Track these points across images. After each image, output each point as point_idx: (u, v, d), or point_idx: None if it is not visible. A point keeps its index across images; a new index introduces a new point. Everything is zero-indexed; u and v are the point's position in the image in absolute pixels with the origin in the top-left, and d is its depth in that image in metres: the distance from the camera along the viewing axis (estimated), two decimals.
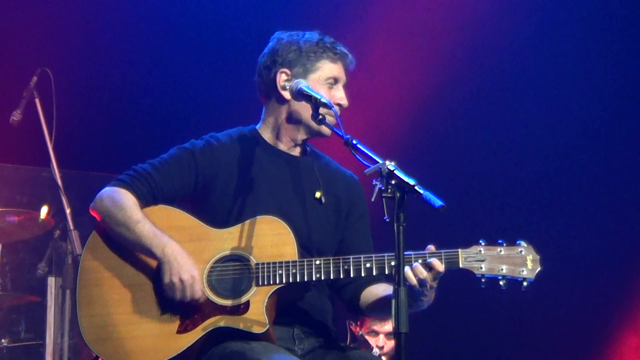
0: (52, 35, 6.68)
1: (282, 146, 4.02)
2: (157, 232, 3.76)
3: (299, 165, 4.03)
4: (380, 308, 3.92)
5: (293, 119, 3.97)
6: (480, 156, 7.13)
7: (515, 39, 7.01)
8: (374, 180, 3.33)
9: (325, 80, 3.93)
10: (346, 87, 4.00)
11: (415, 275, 3.63)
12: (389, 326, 6.10)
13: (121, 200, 3.81)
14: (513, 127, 7.10)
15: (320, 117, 3.76)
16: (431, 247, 3.70)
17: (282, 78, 3.94)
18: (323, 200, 3.97)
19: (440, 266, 3.65)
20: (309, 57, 3.93)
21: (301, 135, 4.00)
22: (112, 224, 3.81)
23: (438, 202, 3.23)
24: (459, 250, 3.69)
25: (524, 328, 7.05)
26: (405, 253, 3.24)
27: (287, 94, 3.92)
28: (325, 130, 3.88)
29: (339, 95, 3.94)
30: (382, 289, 3.91)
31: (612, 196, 6.96)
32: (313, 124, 3.89)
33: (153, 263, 3.80)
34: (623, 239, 6.91)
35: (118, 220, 3.79)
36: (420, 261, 3.65)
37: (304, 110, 3.90)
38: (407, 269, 3.62)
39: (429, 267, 3.65)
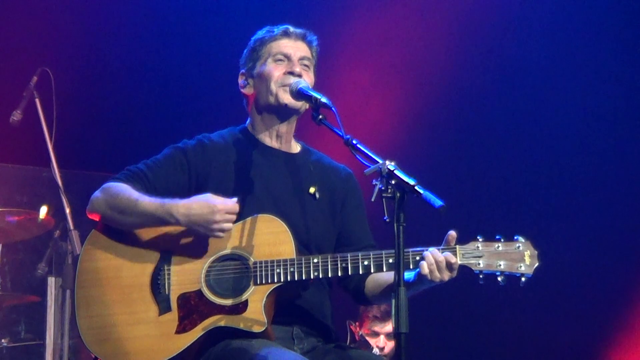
0: (52, 35, 6.68)
1: (269, 141, 4.04)
2: (157, 202, 3.76)
3: (292, 162, 4.05)
4: (386, 292, 3.89)
5: (260, 109, 4.02)
6: (477, 152, 7.15)
7: (512, 36, 7.03)
8: (373, 180, 3.33)
9: (273, 57, 3.99)
10: (311, 62, 4.01)
11: (436, 260, 3.61)
12: (389, 327, 6.09)
13: (115, 189, 3.83)
14: (511, 123, 7.12)
15: (321, 117, 3.77)
16: (452, 234, 3.68)
17: (241, 79, 4.09)
18: (317, 195, 3.99)
19: (453, 258, 3.63)
20: (255, 49, 4.05)
21: (275, 120, 4.02)
22: (113, 214, 3.81)
23: (438, 202, 3.23)
24: (457, 246, 3.69)
25: (524, 327, 7.05)
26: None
27: (248, 90, 4.05)
28: (286, 98, 3.90)
29: (289, 65, 3.96)
30: (386, 275, 3.88)
31: (610, 191, 6.97)
32: (270, 98, 3.94)
33: (151, 262, 3.80)
34: (621, 233, 6.91)
35: (119, 207, 3.79)
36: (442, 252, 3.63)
37: (261, 92, 3.98)
38: (427, 253, 3.62)
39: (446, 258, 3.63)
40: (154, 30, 6.95)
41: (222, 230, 3.71)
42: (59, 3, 6.76)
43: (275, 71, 3.95)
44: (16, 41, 6.65)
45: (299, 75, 3.94)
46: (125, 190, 3.81)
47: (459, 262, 3.66)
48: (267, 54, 4.00)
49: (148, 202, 3.76)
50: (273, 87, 3.95)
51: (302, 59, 4.00)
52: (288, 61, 3.98)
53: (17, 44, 6.64)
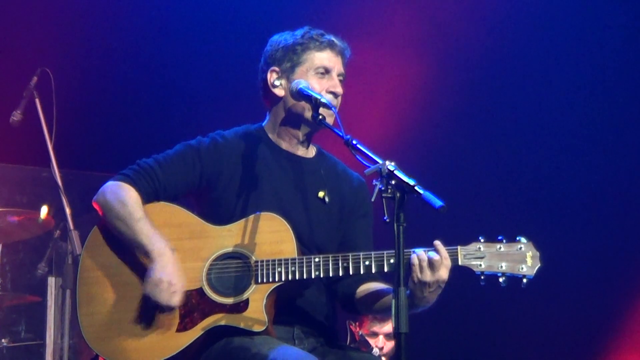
0: (52, 35, 6.68)
1: (285, 145, 4.02)
2: (156, 233, 3.76)
3: (304, 165, 4.03)
4: (375, 305, 3.91)
5: (290, 116, 3.97)
6: (480, 153, 7.14)
7: (513, 37, 7.03)
8: (374, 181, 3.33)
9: (315, 70, 3.93)
10: (344, 78, 3.99)
11: (422, 260, 3.60)
12: (388, 327, 6.09)
13: (124, 195, 3.82)
14: (513, 123, 7.12)
15: (320, 117, 3.77)
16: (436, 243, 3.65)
17: (272, 77, 3.97)
18: (327, 199, 3.97)
19: (442, 250, 3.62)
20: (295, 51, 3.95)
21: (301, 131, 4.00)
22: (112, 217, 3.81)
23: (438, 203, 3.23)
24: (458, 247, 3.68)
25: (524, 328, 7.04)
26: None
27: (279, 92, 3.96)
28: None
29: (331, 83, 3.92)
30: (377, 286, 3.90)
31: (612, 192, 6.96)
32: (307, 113, 3.89)
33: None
34: (623, 234, 6.91)
35: (119, 215, 3.79)
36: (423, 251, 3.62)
37: (299, 106, 3.91)
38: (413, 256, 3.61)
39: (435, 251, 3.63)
40: (155, 30, 6.95)
41: (159, 301, 3.69)
42: (58, 3, 6.76)
43: (318, 86, 3.89)
44: (16, 41, 6.65)
45: (339, 96, 3.93)
46: (133, 203, 3.80)
47: (460, 264, 3.67)
48: (310, 63, 3.92)
49: (147, 227, 3.76)
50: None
51: (339, 74, 3.97)
52: (327, 75, 3.94)
53: (17, 44, 6.64)
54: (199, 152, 3.93)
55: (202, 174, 3.92)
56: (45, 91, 5.39)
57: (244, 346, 3.65)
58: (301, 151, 4.04)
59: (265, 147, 4.00)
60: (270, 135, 4.03)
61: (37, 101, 5.35)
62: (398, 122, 7.14)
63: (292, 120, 3.98)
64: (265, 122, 4.07)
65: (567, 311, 6.94)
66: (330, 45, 3.96)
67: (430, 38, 7.09)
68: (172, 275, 3.70)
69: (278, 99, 3.98)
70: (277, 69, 3.96)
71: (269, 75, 3.97)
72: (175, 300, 3.70)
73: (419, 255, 3.62)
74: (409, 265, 3.63)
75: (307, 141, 4.04)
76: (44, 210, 5.84)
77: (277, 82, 3.96)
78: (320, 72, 3.93)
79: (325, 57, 3.94)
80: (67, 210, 5.07)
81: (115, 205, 3.80)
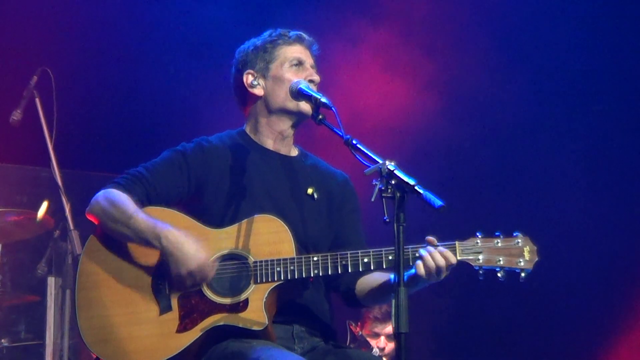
0: (52, 35, 6.68)
1: (270, 144, 4.06)
2: (150, 223, 3.76)
3: (290, 164, 4.07)
4: (376, 294, 3.92)
5: (271, 110, 4.02)
6: (478, 149, 7.15)
7: (512, 36, 7.05)
8: (374, 180, 3.33)
9: (289, 63, 4.03)
10: (317, 69, 4.07)
11: (433, 259, 3.62)
12: (390, 328, 6.10)
13: (115, 198, 3.83)
14: (510, 119, 7.14)
15: (321, 117, 3.78)
16: (430, 239, 3.67)
17: (249, 79, 4.06)
18: (316, 196, 4.01)
19: (452, 257, 3.63)
20: (266, 50, 4.06)
21: (284, 124, 4.03)
22: (108, 222, 3.82)
23: (438, 202, 3.23)
24: (456, 242, 3.70)
25: (524, 327, 7.05)
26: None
27: (258, 91, 4.04)
28: (304, 107, 3.92)
29: (307, 73, 4.01)
30: (377, 276, 3.91)
31: (609, 187, 6.97)
32: (289, 104, 3.96)
33: (151, 263, 3.81)
34: (623, 230, 6.92)
35: (114, 218, 3.80)
36: (436, 249, 3.63)
37: (277, 96, 3.98)
38: (422, 252, 3.62)
39: (443, 256, 3.64)
40: (155, 31, 6.95)
41: (184, 283, 3.70)
42: (59, 3, 6.76)
43: (295, 77, 3.97)
44: (16, 41, 6.65)
45: (317, 84, 4.00)
46: (123, 201, 3.81)
47: (458, 258, 3.67)
48: (283, 58, 4.03)
49: (142, 219, 3.77)
50: None
51: (311, 66, 4.05)
52: (302, 67, 4.02)
53: (17, 44, 6.64)
54: (185, 156, 3.96)
55: (190, 177, 3.94)
56: (45, 91, 5.39)
57: (242, 352, 3.64)
58: (286, 150, 4.09)
59: (251, 148, 4.04)
60: (253, 137, 4.08)
61: (37, 101, 5.36)
62: (397, 120, 7.15)
63: (274, 113, 4.02)
64: (245, 126, 4.12)
65: (567, 311, 6.94)
66: (299, 39, 4.08)
67: (430, 36, 7.10)
68: (188, 259, 3.68)
69: (258, 98, 4.05)
70: (251, 70, 4.06)
71: (245, 77, 4.06)
72: (207, 276, 3.70)
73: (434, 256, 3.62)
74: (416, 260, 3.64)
75: (291, 137, 4.08)
76: (44, 206, 5.81)
77: (255, 82, 4.04)
78: (294, 64, 4.02)
79: (296, 50, 4.05)
80: (67, 210, 5.06)
81: (108, 209, 3.81)
